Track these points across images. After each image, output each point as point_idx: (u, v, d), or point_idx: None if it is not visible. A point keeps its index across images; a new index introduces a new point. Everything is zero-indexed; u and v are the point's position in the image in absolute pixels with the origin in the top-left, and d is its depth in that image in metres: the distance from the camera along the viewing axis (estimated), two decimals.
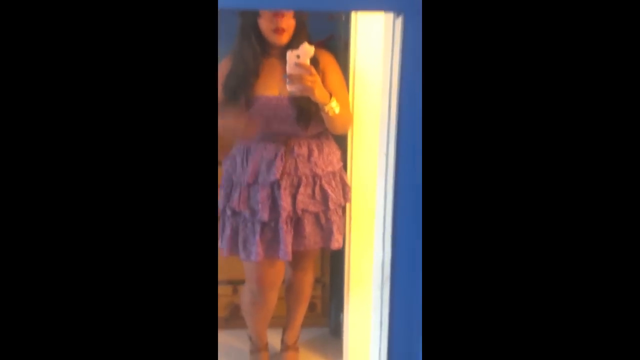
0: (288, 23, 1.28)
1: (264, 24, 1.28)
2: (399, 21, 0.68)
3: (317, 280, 1.78)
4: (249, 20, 1.31)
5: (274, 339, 1.68)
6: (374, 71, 1.33)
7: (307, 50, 1.19)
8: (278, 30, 1.27)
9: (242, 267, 1.51)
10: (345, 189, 1.44)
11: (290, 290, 1.61)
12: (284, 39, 1.28)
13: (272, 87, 1.32)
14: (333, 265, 1.80)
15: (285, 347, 1.69)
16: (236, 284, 1.78)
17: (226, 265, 1.52)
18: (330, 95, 1.28)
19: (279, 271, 1.48)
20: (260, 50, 1.31)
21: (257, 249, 1.34)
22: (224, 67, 1.33)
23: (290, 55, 1.20)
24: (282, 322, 1.69)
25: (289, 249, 1.35)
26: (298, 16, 1.30)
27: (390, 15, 0.74)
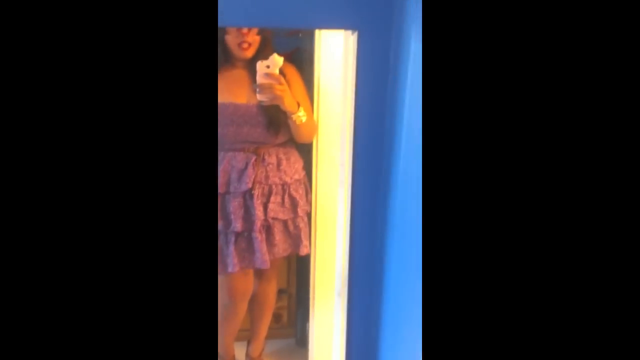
0: (253, 38, 1.31)
1: (230, 39, 1.31)
2: (353, 38, 0.72)
3: (282, 291, 1.78)
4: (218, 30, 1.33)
5: (238, 353, 1.66)
6: (337, 83, 1.37)
7: (276, 61, 1.23)
8: (243, 45, 1.30)
9: None
10: (308, 196, 1.47)
11: (254, 301, 1.61)
12: (249, 52, 1.32)
13: (240, 95, 1.35)
14: (299, 276, 1.80)
15: (250, 359, 1.67)
16: None
17: None
18: (298, 105, 1.31)
19: (249, 281, 1.49)
20: (227, 60, 1.34)
21: (232, 259, 1.35)
22: None
23: (260, 65, 1.23)
24: (246, 335, 1.68)
25: (266, 257, 1.36)
26: (262, 32, 1.33)
27: (347, 33, 0.78)
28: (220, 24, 0.63)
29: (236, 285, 1.45)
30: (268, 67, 1.23)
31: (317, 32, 1.38)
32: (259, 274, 1.54)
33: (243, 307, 1.51)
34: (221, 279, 1.45)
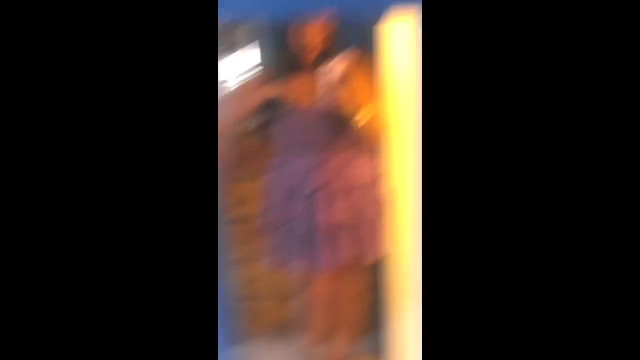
0: (315, 41, 1.29)
1: (292, 41, 1.31)
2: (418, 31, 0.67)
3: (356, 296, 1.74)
4: (280, 35, 1.34)
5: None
6: (406, 79, 1.32)
7: (336, 64, 1.21)
8: (306, 49, 1.29)
9: (288, 281, 1.52)
10: (380, 201, 1.42)
11: (332, 305, 1.59)
12: (312, 55, 1.31)
13: (303, 100, 1.34)
14: (372, 281, 1.76)
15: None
16: (283, 298, 1.79)
17: (272, 280, 1.54)
18: (361, 107, 1.28)
19: (328, 284, 1.49)
20: (291, 65, 1.34)
21: (298, 263, 1.36)
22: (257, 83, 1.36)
23: (321, 70, 1.22)
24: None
25: (326, 263, 1.35)
26: (326, 30, 1.31)
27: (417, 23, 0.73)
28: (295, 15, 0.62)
29: (313, 288, 1.45)
30: (328, 71, 1.22)
31: (382, 24, 1.33)
32: (335, 278, 1.51)
33: (323, 309, 1.50)
34: (299, 281, 1.46)
